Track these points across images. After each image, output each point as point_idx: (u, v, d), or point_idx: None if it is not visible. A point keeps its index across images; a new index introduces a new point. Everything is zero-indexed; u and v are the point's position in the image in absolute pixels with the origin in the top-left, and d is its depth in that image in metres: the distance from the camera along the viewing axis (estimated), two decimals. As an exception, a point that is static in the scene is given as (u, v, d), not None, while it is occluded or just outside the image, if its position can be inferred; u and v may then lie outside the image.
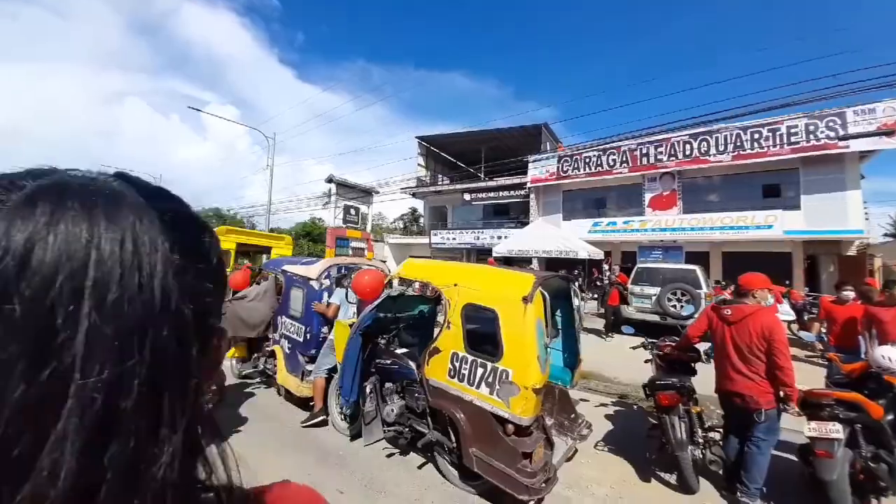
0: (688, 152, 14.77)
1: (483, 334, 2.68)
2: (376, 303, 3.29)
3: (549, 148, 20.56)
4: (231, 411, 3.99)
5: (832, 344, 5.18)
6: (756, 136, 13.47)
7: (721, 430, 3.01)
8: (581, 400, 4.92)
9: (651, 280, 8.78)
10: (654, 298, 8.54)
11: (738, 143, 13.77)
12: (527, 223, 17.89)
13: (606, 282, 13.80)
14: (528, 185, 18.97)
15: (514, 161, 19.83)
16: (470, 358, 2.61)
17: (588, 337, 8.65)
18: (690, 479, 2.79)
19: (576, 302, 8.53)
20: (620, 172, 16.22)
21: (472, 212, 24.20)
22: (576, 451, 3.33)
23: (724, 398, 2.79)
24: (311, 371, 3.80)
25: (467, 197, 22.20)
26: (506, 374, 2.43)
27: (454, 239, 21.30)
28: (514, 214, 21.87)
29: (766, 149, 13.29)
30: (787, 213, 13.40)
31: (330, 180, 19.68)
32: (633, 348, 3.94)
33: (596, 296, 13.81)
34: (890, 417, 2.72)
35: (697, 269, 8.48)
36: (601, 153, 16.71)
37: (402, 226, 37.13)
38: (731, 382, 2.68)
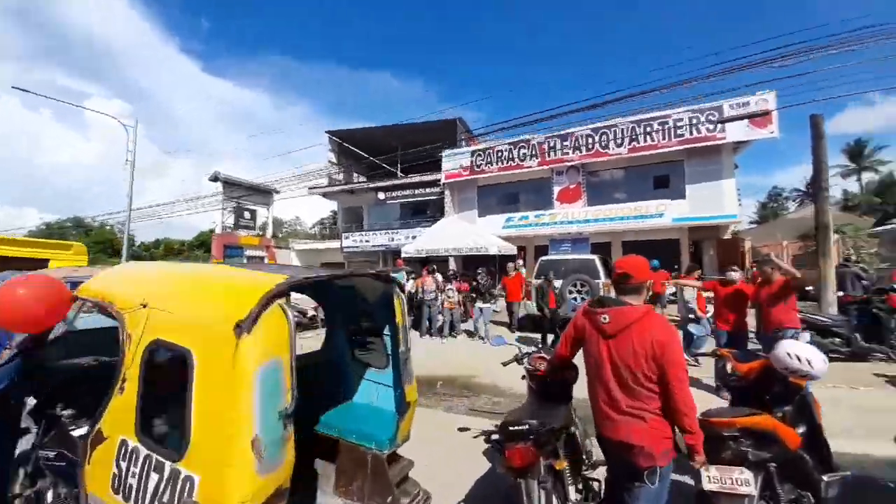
0: (590, 146, 15.14)
1: (173, 402, 1.43)
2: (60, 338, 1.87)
3: (464, 143, 20.07)
4: None
5: (719, 327, 4.90)
6: (648, 129, 14.16)
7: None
8: (461, 429, 3.93)
9: (552, 272, 8.31)
10: (556, 292, 8.05)
11: (633, 136, 14.38)
12: (443, 221, 17.10)
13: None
14: (443, 181, 18.21)
15: (431, 156, 18.98)
16: (143, 452, 1.35)
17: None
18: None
19: (482, 304, 7.64)
20: (530, 166, 16.18)
21: (390, 212, 22.82)
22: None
23: (605, 447, 1.87)
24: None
25: (381, 196, 20.81)
26: (189, 483, 1.22)
27: (367, 242, 19.79)
28: (432, 213, 21.01)
29: (656, 141, 14.04)
30: (675, 202, 14.31)
31: (215, 178, 16.91)
32: (505, 364, 3.02)
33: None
34: (801, 430, 2.07)
35: (596, 258, 8.20)
36: (512, 147, 16.54)
37: (321, 231, 34.36)
38: (611, 425, 1.74)
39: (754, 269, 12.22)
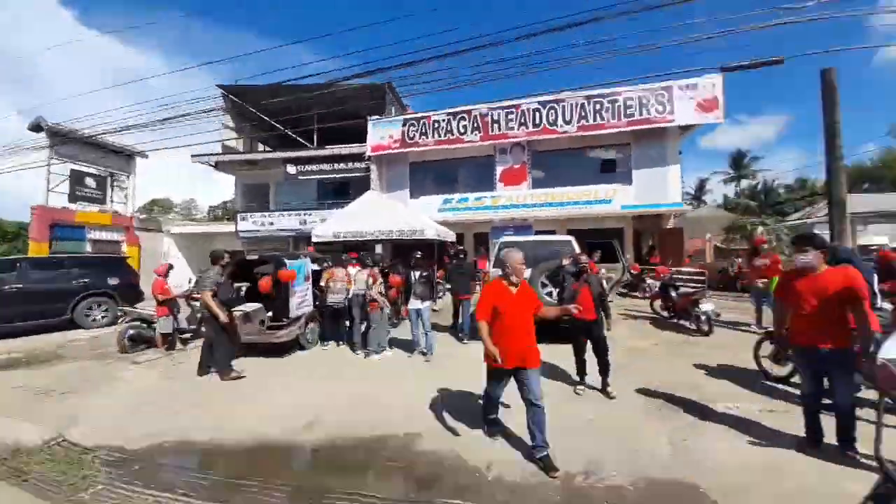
0: (537, 121, 13.51)
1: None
2: None
3: (394, 113, 17.24)
4: None
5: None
6: (598, 106, 12.95)
7: None
8: None
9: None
10: (524, 286, 5.95)
11: (583, 114, 13.09)
12: (368, 202, 14.17)
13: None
14: (368, 153, 15.26)
15: (355, 127, 15.85)
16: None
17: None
18: None
19: (420, 304, 5.20)
20: (472, 141, 14.08)
21: (304, 191, 19.03)
22: None
23: None
24: None
25: (292, 170, 17.08)
26: None
27: (272, 224, 16.03)
28: (356, 193, 17.86)
29: (605, 120, 12.90)
30: (623, 187, 13.46)
31: (37, 127, 11.70)
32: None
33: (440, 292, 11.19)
34: None
35: (572, 240, 6.28)
36: (451, 117, 14.26)
37: (211, 212, 28.46)
38: None
39: (738, 260, 11.64)
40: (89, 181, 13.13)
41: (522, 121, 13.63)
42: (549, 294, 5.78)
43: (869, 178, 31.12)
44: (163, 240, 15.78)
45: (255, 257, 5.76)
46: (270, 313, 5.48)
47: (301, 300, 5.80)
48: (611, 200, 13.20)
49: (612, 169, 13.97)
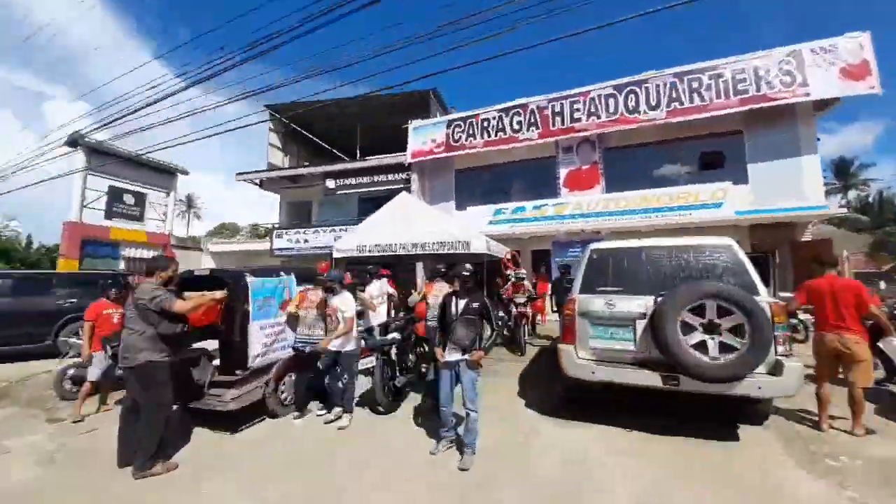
0: (611, 109, 10.87)
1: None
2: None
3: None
4: None
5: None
6: (695, 84, 10.04)
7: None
8: None
9: (624, 279, 3.63)
10: (641, 325, 3.38)
11: (674, 96, 10.23)
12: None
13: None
14: (408, 160, 13.55)
15: (397, 139, 14.42)
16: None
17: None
18: None
19: (458, 355, 2.89)
20: (529, 139, 11.75)
21: (344, 207, 17.86)
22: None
23: None
24: None
25: (331, 184, 15.91)
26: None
27: (307, 241, 14.75)
28: (397, 207, 16.26)
29: (708, 101, 9.92)
30: (735, 187, 10.18)
31: (74, 143, 11.50)
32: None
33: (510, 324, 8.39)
34: None
35: (734, 244, 3.59)
36: (503, 113, 12.11)
37: (253, 230, 28.57)
38: None
39: None
40: (127, 198, 12.74)
41: (592, 110, 11.06)
42: (702, 348, 3.07)
43: None
44: (201, 258, 15.16)
45: (206, 273, 3.82)
46: (217, 361, 3.45)
47: (272, 340, 3.73)
48: (720, 204, 9.97)
49: (717, 164, 10.76)
